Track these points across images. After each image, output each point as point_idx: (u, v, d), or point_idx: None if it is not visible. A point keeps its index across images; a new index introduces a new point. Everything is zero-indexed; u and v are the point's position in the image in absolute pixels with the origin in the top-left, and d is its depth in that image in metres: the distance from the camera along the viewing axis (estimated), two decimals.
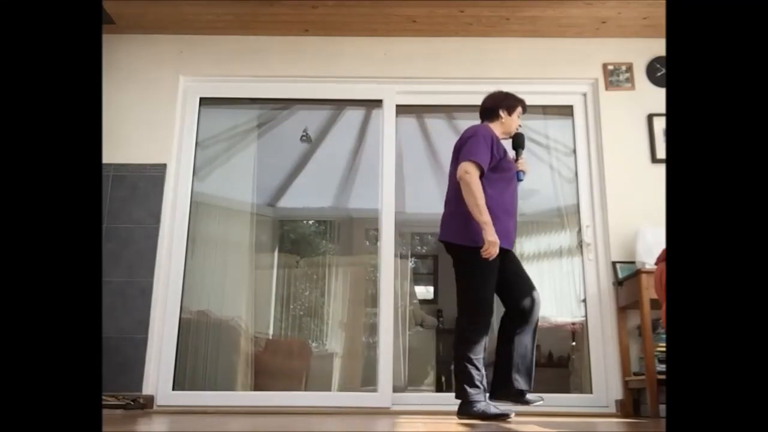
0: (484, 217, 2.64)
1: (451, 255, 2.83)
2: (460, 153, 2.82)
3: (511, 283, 2.83)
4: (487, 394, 2.72)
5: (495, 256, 2.64)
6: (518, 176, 2.96)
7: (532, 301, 2.82)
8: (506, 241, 2.78)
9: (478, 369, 2.66)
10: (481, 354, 2.69)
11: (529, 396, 2.78)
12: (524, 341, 2.79)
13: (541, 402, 2.80)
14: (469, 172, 2.69)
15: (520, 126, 3.04)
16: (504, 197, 2.82)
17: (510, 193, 2.86)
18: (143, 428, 2.02)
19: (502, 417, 2.63)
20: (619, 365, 3.49)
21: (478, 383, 2.65)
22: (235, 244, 4.17)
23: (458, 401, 2.70)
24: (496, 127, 2.97)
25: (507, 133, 3.02)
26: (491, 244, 2.62)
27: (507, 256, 2.85)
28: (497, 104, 3.01)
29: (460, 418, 2.67)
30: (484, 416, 2.61)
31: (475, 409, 2.62)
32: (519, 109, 3.02)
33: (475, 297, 2.70)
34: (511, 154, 3.02)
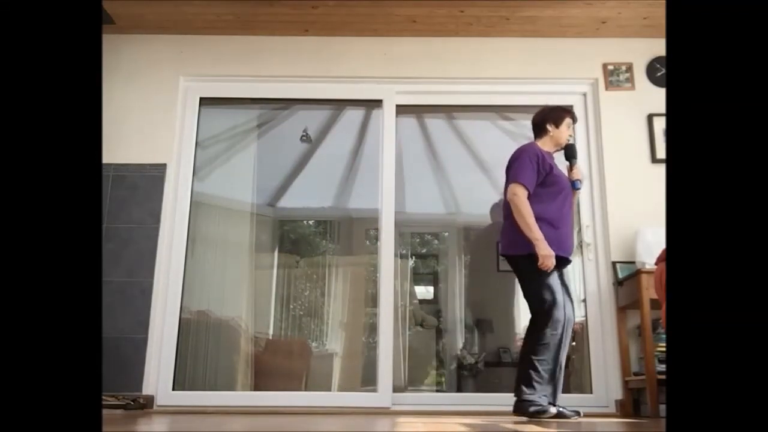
0: (534, 233, 2.79)
1: (512, 266, 2.95)
2: (509, 173, 2.98)
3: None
4: (545, 396, 2.78)
5: (552, 267, 2.78)
6: (574, 185, 3.04)
7: (567, 318, 2.88)
8: (563, 249, 2.90)
9: (537, 371, 2.74)
10: (545, 356, 2.75)
11: (564, 410, 2.83)
12: (563, 355, 2.87)
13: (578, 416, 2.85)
14: (517, 194, 2.86)
15: (571, 136, 3.13)
16: (554, 208, 2.91)
17: (560, 203, 2.95)
18: (143, 428, 2.02)
19: (562, 416, 2.72)
20: (619, 365, 3.49)
21: (535, 384, 2.73)
22: (235, 244, 4.17)
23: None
24: (545, 142, 3.07)
25: (558, 145, 3.10)
26: (545, 257, 2.76)
27: (562, 268, 2.97)
28: (544, 119, 3.10)
29: (514, 415, 2.76)
30: (536, 415, 2.69)
31: (530, 409, 2.71)
32: (567, 120, 3.09)
33: (540, 300, 2.80)
34: (565, 164, 3.11)
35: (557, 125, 3.07)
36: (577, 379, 3.92)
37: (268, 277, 4.58)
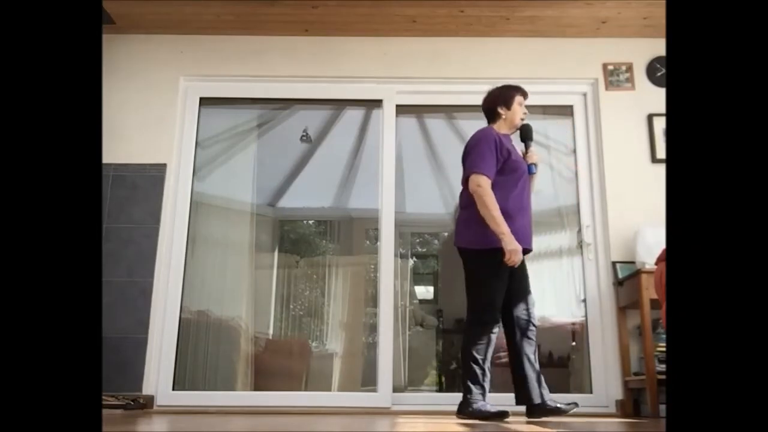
0: (501, 227, 2.65)
1: (463, 258, 2.82)
2: (466, 161, 2.83)
3: (514, 291, 2.82)
4: (487, 395, 2.73)
5: (519, 262, 2.67)
6: (530, 169, 2.89)
7: (528, 311, 2.82)
8: (525, 240, 2.78)
9: (482, 368, 2.68)
10: (486, 354, 2.70)
11: (561, 405, 2.75)
12: (529, 352, 2.79)
13: (575, 407, 2.79)
14: (481, 185, 2.70)
15: (525, 114, 2.96)
16: (514, 197, 2.78)
17: (520, 191, 2.81)
18: (143, 428, 2.02)
19: (500, 416, 2.64)
20: (619, 365, 3.49)
21: (480, 382, 2.66)
22: (235, 244, 4.17)
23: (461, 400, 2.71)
24: (500, 126, 2.93)
25: (513, 126, 2.95)
26: (512, 252, 2.64)
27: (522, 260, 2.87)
28: (493, 103, 2.96)
29: (458, 418, 2.68)
30: (482, 415, 2.62)
31: (471, 408, 2.64)
32: (518, 98, 2.94)
33: (485, 298, 2.71)
34: (520, 147, 2.97)
35: (508, 106, 2.92)
36: (577, 379, 3.92)
37: (268, 277, 4.57)
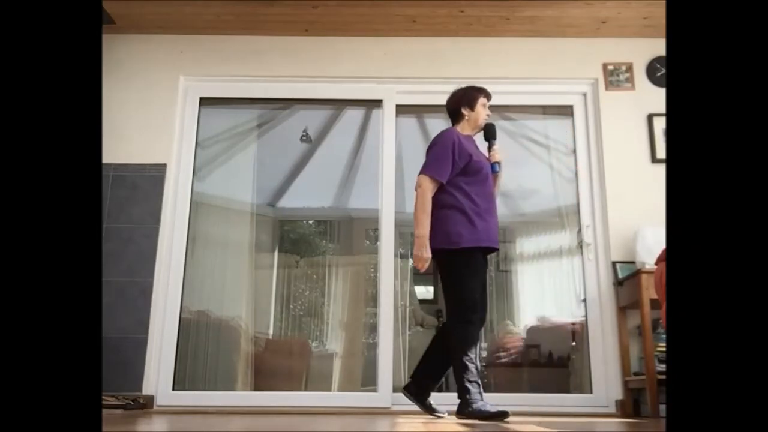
0: (420, 230, 2.70)
1: (436, 260, 2.81)
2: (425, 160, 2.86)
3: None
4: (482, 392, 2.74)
5: (423, 270, 2.70)
6: (493, 168, 2.91)
7: (484, 313, 2.86)
8: (492, 240, 2.80)
9: (476, 366, 2.68)
10: (475, 352, 2.70)
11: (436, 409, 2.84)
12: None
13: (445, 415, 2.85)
14: (422, 186, 2.76)
15: (488, 115, 2.98)
16: (481, 197, 2.80)
17: (486, 191, 2.83)
18: (143, 428, 2.02)
19: (500, 416, 2.64)
20: (619, 365, 3.49)
21: (476, 380, 2.67)
22: (235, 244, 4.17)
23: (460, 401, 2.71)
24: (464, 127, 2.96)
25: (477, 127, 2.97)
26: (418, 258, 2.69)
27: (485, 258, 2.88)
28: (457, 104, 2.98)
29: (458, 418, 2.68)
30: (482, 415, 2.62)
31: (471, 408, 2.64)
32: (482, 99, 2.96)
33: (462, 296, 2.72)
34: (484, 146, 2.99)
35: (472, 107, 2.94)
36: (577, 379, 3.93)
37: (268, 277, 4.58)
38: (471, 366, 2.66)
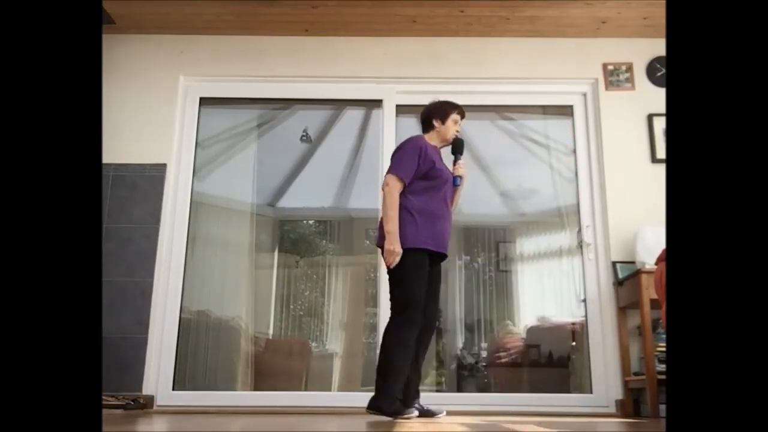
0: (390, 226, 2.73)
1: (383, 256, 2.81)
2: (391, 162, 2.90)
3: (426, 294, 2.82)
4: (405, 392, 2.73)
5: (392, 264, 2.70)
6: (455, 181, 2.97)
7: (436, 314, 2.87)
8: (442, 246, 2.83)
9: (401, 366, 2.66)
10: (406, 352, 2.68)
11: (432, 407, 2.83)
12: (423, 353, 2.85)
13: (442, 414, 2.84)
14: (389, 184, 2.80)
15: (458, 132, 3.04)
16: (437, 201, 2.85)
17: (443, 197, 2.88)
18: (143, 428, 2.02)
19: (405, 414, 2.63)
20: (619, 365, 3.49)
21: (394, 379, 2.64)
22: (235, 244, 4.17)
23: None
24: (432, 137, 3.00)
25: (444, 140, 3.02)
26: (389, 252, 2.69)
27: (437, 267, 2.90)
28: (430, 115, 3.02)
29: (367, 412, 2.67)
30: (390, 412, 2.60)
31: (380, 403, 2.62)
32: (454, 116, 3.02)
33: (405, 296, 2.71)
34: (451, 159, 3.03)
35: (443, 121, 2.99)
36: (577, 379, 3.93)
37: (268, 277, 4.58)
38: (396, 366, 2.65)
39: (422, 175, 2.83)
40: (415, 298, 2.72)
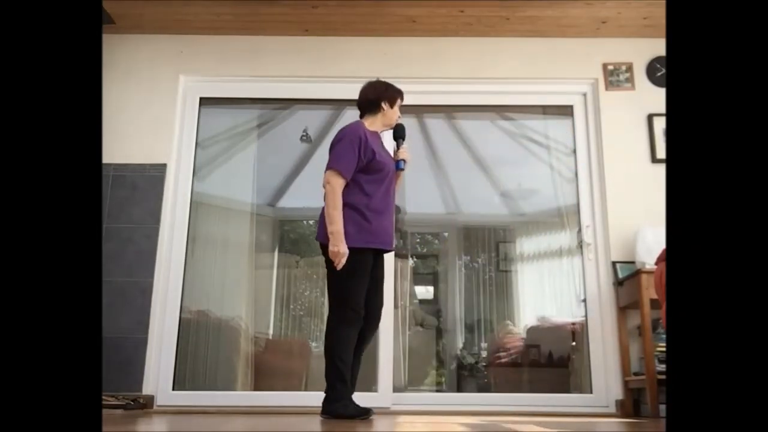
0: (334, 226, 2.64)
1: (324, 254, 2.76)
2: (329, 156, 2.81)
3: (370, 289, 2.79)
4: (353, 392, 2.69)
5: (341, 266, 2.63)
6: (398, 165, 2.88)
7: (379, 311, 2.82)
8: (387, 242, 2.77)
9: (346, 365, 2.62)
10: (348, 351, 2.65)
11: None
12: (364, 350, 2.80)
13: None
14: (330, 182, 2.70)
15: (399, 117, 2.96)
16: (379, 197, 2.77)
17: (385, 191, 2.80)
18: (143, 428, 2.02)
19: (362, 414, 2.59)
20: (619, 365, 3.49)
21: (345, 380, 2.61)
22: (235, 244, 4.17)
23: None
24: (375, 121, 2.89)
25: (388, 125, 2.93)
26: (335, 254, 2.62)
27: (380, 259, 2.84)
28: (379, 96, 2.89)
29: (323, 418, 2.61)
30: (345, 416, 2.57)
31: (334, 407, 2.58)
32: (399, 102, 2.94)
33: (345, 295, 2.67)
34: (392, 145, 2.97)
35: (392, 105, 2.89)
36: (577, 379, 3.93)
37: (268, 277, 4.58)
38: (341, 367, 2.61)
39: (364, 167, 2.74)
40: (354, 297, 2.66)
